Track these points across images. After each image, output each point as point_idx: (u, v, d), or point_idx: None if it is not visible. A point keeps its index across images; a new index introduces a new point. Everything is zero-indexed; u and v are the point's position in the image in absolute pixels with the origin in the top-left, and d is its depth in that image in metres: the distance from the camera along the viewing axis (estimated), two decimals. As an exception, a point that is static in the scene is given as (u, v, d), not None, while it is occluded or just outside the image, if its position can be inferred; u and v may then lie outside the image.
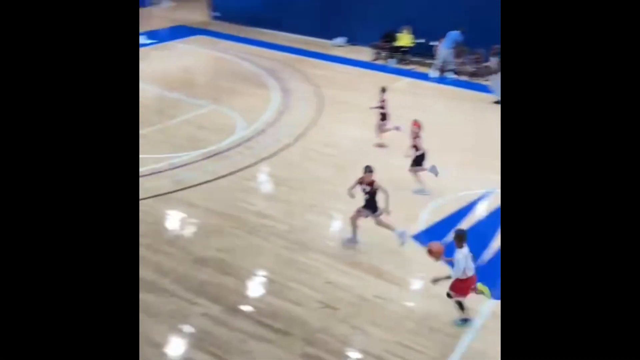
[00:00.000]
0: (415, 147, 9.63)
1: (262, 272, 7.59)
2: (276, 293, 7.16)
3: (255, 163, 10.76)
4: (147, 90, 14.22)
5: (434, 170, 9.73)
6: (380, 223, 8.07)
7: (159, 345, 6.25)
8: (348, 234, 8.21)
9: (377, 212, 7.99)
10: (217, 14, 22.31)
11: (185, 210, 9.05)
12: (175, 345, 6.33)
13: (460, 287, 6.53)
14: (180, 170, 10.37)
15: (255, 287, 7.37)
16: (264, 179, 10.44)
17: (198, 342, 6.33)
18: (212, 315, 6.72)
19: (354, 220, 8.11)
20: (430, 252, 6.76)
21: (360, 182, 7.93)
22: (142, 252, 7.84)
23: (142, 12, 23.74)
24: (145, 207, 9.00)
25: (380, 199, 7.92)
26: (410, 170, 9.76)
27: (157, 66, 16.06)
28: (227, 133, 12.02)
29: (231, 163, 10.69)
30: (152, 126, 12.16)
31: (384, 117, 11.42)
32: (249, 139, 11.77)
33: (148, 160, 10.59)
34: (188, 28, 21.30)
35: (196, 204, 9.22)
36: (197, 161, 10.75)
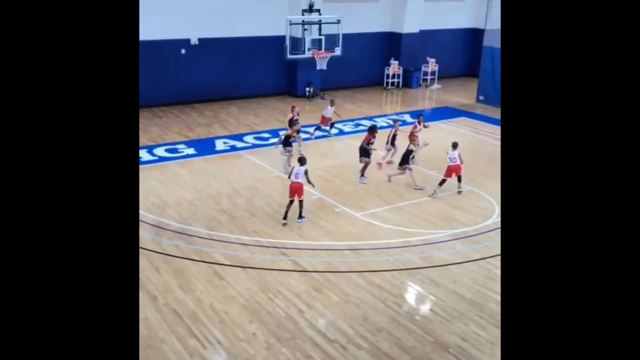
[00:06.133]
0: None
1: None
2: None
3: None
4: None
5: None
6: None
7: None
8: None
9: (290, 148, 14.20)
10: (482, 97, 22.44)
11: (430, 289, 8.92)
12: None
13: None
14: (430, 247, 10.36)
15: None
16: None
17: None
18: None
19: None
20: None
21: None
22: (383, 323, 7.92)
23: (411, 92, 25.19)
24: (390, 278, 9.15)
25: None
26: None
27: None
28: (483, 217, 11.70)
29: (484, 248, 10.30)
30: (407, 200, 12.52)
31: None
32: (504, 226, 11.21)
33: (400, 232, 10.85)
34: (453, 109, 21.78)
35: (442, 285, 9.03)
36: (448, 240, 10.63)
